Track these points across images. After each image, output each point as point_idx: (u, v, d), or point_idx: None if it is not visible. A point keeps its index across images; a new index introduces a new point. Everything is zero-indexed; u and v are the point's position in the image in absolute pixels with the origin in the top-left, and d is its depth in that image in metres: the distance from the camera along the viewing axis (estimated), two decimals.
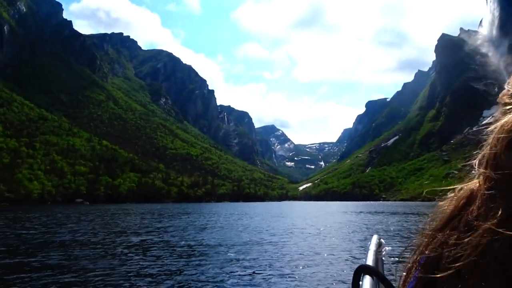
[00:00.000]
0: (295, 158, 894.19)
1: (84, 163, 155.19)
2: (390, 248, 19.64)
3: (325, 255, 16.74)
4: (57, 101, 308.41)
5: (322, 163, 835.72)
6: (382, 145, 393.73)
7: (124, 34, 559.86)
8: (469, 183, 1.03)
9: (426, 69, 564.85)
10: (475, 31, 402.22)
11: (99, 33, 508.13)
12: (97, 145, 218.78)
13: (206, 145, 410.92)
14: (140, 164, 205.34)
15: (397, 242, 20.37)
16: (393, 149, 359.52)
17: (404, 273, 1.08)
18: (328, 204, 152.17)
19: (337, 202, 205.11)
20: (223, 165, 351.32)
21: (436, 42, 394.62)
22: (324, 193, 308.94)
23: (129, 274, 12.75)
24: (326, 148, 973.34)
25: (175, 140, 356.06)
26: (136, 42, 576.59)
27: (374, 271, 1.60)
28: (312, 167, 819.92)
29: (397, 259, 15.66)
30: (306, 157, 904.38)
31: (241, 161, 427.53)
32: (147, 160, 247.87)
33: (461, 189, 1.02)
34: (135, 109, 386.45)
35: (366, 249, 2.37)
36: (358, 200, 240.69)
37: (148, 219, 42.49)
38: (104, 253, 17.02)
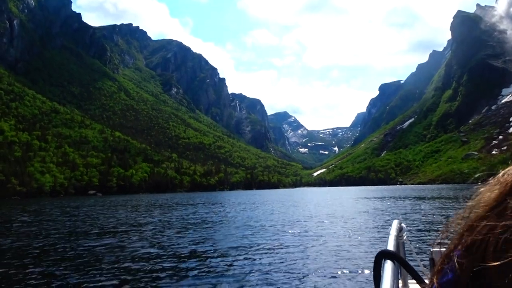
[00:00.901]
0: (309, 144, 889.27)
1: (96, 154, 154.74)
2: (411, 233, 17.76)
3: (346, 241, 16.33)
4: (69, 94, 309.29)
5: (336, 148, 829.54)
6: (398, 128, 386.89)
7: (133, 25, 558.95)
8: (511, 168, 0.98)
9: (440, 49, 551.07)
10: (492, 7, 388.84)
11: (108, 25, 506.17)
12: (109, 136, 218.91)
13: (218, 134, 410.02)
14: (153, 154, 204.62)
15: (419, 227, 19.66)
16: (409, 131, 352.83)
17: (438, 262, 1.04)
18: (344, 189, 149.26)
19: (353, 187, 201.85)
20: (236, 153, 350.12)
21: (450, 21, 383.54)
22: (339, 178, 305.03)
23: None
24: (340, 133, 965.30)
25: (188, 130, 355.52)
26: (145, 32, 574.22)
27: (395, 256, 1.62)
28: (326, 152, 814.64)
29: (418, 244, 14.38)
30: (320, 143, 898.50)
31: (254, 149, 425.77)
32: (160, 150, 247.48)
33: (504, 173, 0.98)
34: (147, 99, 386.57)
35: (387, 234, 2.36)
36: (374, 185, 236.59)
37: (137, 213, 40.58)
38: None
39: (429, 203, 41.07)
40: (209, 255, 14.01)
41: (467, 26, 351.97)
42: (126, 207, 46.72)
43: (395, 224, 2.56)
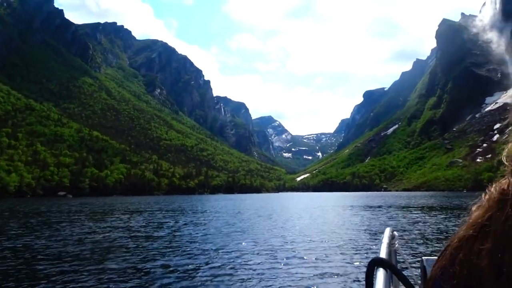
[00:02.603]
0: (293, 149, 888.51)
1: (70, 154, 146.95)
2: (403, 241, 16.55)
3: (337, 249, 15.83)
4: (47, 91, 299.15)
5: (319, 154, 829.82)
6: (382, 134, 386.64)
7: (118, 24, 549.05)
8: (499, 182, 0.96)
9: (423, 58, 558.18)
10: (476, 16, 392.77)
11: (92, 23, 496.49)
12: (87, 135, 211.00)
13: (201, 136, 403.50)
14: (131, 155, 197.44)
15: (410, 235, 19.18)
16: (393, 138, 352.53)
17: (432, 273, 1.03)
18: (328, 195, 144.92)
19: (337, 193, 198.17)
20: (219, 156, 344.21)
21: (431, 31, 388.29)
22: (322, 183, 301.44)
23: None
24: (324, 139, 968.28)
25: (170, 131, 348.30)
26: (130, 32, 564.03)
27: (387, 264, 1.62)
28: (310, 158, 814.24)
29: (411, 251, 13.75)
30: (304, 148, 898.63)
31: (237, 152, 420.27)
32: (140, 151, 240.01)
33: (493, 189, 0.96)
34: (129, 99, 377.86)
35: (379, 242, 2.33)
36: (358, 191, 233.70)
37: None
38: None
39: (418, 211, 39.59)
40: None
41: (452, 34, 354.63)
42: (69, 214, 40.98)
43: (387, 231, 2.57)
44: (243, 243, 17.51)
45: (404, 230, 21.14)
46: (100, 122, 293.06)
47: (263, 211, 41.89)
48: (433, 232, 20.47)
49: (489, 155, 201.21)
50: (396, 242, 2.52)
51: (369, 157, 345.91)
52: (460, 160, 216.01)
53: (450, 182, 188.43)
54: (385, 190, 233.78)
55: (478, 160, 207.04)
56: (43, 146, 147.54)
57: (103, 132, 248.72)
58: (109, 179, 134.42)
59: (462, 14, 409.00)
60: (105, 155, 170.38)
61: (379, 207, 48.10)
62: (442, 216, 31.40)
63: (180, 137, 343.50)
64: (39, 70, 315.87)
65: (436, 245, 15.97)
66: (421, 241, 17.04)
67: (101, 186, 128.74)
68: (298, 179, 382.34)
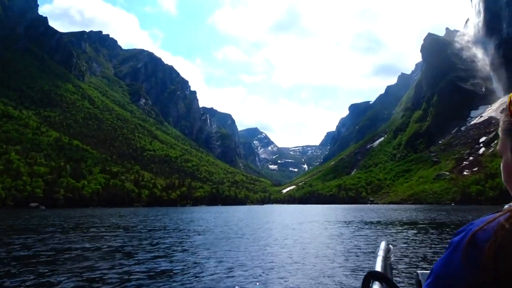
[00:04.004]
0: (278, 161, 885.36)
1: (45, 163, 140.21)
2: (399, 254, 16.34)
3: (331, 263, 15.49)
4: (27, 99, 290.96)
5: (305, 166, 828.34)
6: (368, 146, 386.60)
7: (104, 33, 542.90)
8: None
9: (407, 72, 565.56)
10: (461, 31, 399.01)
11: (77, 31, 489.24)
12: (66, 145, 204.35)
13: (186, 147, 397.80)
14: (112, 165, 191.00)
15: (407, 249, 18.64)
16: (379, 150, 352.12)
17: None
18: (314, 208, 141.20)
19: (323, 205, 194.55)
20: (203, 167, 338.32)
21: (414, 46, 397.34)
22: (308, 196, 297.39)
23: None
24: (309, 151, 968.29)
25: (154, 142, 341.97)
26: (116, 41, 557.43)
27: (383, 277, 1.59)
28: (296, 170, 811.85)
29: (406, 265, 13.58)
30: (290, 160, 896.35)
31: (223, 164, 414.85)
32: (122, 162, 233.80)
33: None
34: (112, 109, 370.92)
35: (375, 255, 2.31)
36: (345, 203, 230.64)
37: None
38: None
39: (412, 225, 38.01)
40: None
41: (437, 48, 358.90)
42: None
43: (382, 245, 2.55)
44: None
45: (400, 244, 20.78)
46: (81, 131, 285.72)
47: (232, 228, 37.48)
48: (429, 246, 19.98)
49: (476, 168, 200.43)
50: (391, 256, 2.51)
51: (355, 170, 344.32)
52: (447, 173, 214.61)
53: (437, 195, 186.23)
54: (372, 202, 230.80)
55: (465, 173, 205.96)
56: (17, 155, 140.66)
57: (84, 141, 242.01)
58: (86, 190, 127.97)
59: (447, 29, 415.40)
60: (84, 165, 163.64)
61: (378, 222, 44.25)
62: (437, 230, 30.60)
63: (164, 147, 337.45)
64: (20, 77, 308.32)
65: (434, 259, 15.47)
66: (417, 255, 16.75)
67: (77, 197, 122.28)
68: (284, 191, 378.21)
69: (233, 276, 12.91)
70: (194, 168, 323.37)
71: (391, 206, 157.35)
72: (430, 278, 1.17)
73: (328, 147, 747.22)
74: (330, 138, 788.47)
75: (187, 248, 20.39)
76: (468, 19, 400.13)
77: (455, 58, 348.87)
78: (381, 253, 2.33)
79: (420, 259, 15.68)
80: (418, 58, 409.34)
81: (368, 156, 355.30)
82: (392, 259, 2.48)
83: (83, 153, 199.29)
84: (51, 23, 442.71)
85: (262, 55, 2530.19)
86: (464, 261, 1.07)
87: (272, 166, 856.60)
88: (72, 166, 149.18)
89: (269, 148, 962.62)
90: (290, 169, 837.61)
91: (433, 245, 20.31)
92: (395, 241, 22.37)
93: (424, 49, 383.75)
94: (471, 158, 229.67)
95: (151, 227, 35.96)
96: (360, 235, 26.98)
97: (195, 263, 15.73)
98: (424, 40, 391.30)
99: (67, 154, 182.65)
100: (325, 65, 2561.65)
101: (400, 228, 33.95)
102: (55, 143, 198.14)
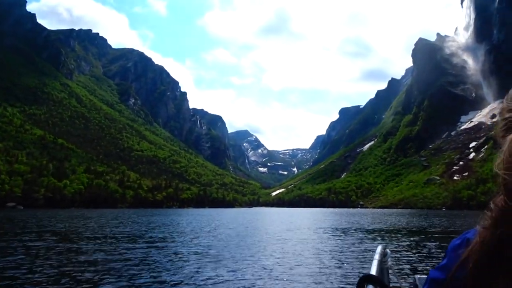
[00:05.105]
0: (268, 164, 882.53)
1: (26, 161, 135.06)
2: (396, 258, 15.78)
3: (327, 265, 15.42)
4: (12, 97, 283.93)
5: (295, 169, 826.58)
6: (358, 150, 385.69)
7: (93, 32, 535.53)
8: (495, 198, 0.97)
9: (397, 77, 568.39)
10: (452, 37, 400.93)
11: (65, 29, 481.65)
12: (51, 143, 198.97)
13: (175, 148, 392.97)
14: (97, 165, 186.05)
15: (404, 254, 18.30)
16: (369, 154, 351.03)
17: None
18: (304, 211, 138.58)
19: (313, 209, 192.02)
20: (192, 169, 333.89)
21: (403, 52, 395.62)
22: (298, 199, 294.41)
23: None
24: (299, 155, 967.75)
25: (142, 142, 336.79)
26: (105, 40, 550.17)
27: (378, 281, 1.58)
28: (285, 173, 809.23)
29: (403, 269, 13.70)
30: (279, 163, 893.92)
31: (212, 165, 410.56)
32: (109, 162, 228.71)
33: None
34: (100, 108, 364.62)
35: (371, 259, 2.28)
36: (335, 207, 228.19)
37: None
38: None
39: (408, 230, 37.07)
40: None
41: (428, 53, 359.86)
42: None
43: (379, 249, 2.51)
44: None
45: (396, 249, 20.33)
46: (68, 130, 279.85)
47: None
48: (426, 252, 19.66)
49: (466, 173, 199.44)
50: (388, 260, 2.46)
51: (345, 173, 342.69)
52: (438, 178, 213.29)
53: (428, 200, 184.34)
54: (362, 206, 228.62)
55: (455, 178, 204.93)
56: None
57: (70, 140, 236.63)
58: (67, 190, 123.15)
59: (438, 34, 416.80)
60: (68, 164, 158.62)
61: (373, 227, 41.36)
62: (434, 236, 30.44)
63: (152, 148, 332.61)
64: (6, 74, 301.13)
65: (431, 264, 15.45)
66: (414, 260, 16.66)
67: (58, 197, 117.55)
68: (273, 194, 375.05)
69: None
70: (182, 169, 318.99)
71: (383, 210, 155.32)
72: (426, 284, 1.18)
73: (318, 150, 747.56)
74: (320, 141, 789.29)
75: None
76: (457, 26, 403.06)
77: (446, 63, 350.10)
78: (377, 257, 2.31)
79: (417, 264, 15.49)
80: (407, 63, 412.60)
81: (358, 160, 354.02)
82: (388, 263, 2.44)
83: (68, 152, 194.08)
84: (39, 21, 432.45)
85: (252, 57, 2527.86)
86: (460, 266, 1.08)
87: (261, 169, 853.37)
88: (55, 165, 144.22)
89: (259, 150, 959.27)
90: (280, 172, 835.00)
91: (430, 251, 20.04)
92: (395, 245, 22.34)
93: (415, 54, 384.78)
94: (461, 163, 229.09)
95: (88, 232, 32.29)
96: (354, 241, 25.74)
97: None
98: (415, 44, 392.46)
99: (50, 152, 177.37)
100: (314, 69, 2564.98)
101: (395, 233, 33.17)
102: (39, 141, 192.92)
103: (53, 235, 27.28)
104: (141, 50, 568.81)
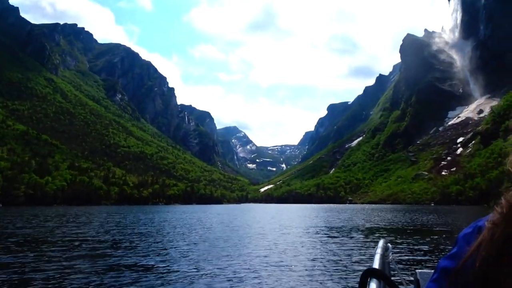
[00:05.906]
0: (257, 160, 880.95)
1: (7, 157, 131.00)
2: (397, 252, 16.41)
3: (329, 260, 15.37)
4: None
5: (283, 165, 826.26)
6: (346, 146, 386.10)
7: (79, 26, 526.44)
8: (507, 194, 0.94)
9: (385, 74, 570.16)
10: (439, 33, 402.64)
11: (50, 23, 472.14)
12: (34, 139, 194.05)
13: (163, 144, 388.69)
14: (82, 161, 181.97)
15: (405, 248, 18.48)
16: (357, 150, 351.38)
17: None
18: (293, 207, 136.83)
19: (301, 204, 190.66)
20: (180, 165, 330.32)
21: (390, 49, 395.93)
22: (286, 195, 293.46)
23: None
24: (288, 151, 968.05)
25: (129, 138, 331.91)
26: (91, 34, 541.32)
27: (381, 275, 1.60)
28: (274, 169, 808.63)
29: (404, 264, 13.94)
30: (268, 159, 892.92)
31: (200, 162, 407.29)
32: (94, 158, 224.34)
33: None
34: (86, 104, 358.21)
35: (373, 253, 2.32)
36: (323, 203, 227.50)
37: None
38: None
39: (406, 225, 36.52)
40: None
41: (416, 49, 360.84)
42: None
43: (381, 243, 2.52)
44: None
45: (398, 243, 20.71)
46: (52, 126, 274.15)
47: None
48: (426, 246, 19.81)
49: (454, 168, 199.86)
50: (390, 254, 2.49)
51: (333, 169, 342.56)
52: (426, 173, 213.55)
53: (416, 195, 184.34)
54: (351, 202, 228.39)
55: (443, 173, 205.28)
56: None
57: (54, 136, 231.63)
58: (49, 187, 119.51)
59: (426, 30, 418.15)
60: (51, 161, 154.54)
61: (369, 224, 39.62)
62: (433, 230, 30.71)
63: (139, 144, 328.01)
64: None
65: (431, 258, 15.53)
66: (415, 254, 16.79)
67: (39, 194, 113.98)
68: (262, 190, 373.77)
69: None
70: (170, 165, 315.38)
71: (372, 206, 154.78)
72: (436, 274, 1.19)
73: (307, 146, 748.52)
74: (309, 137, 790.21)
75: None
76: (444, 22, 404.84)
77: (433, 59, 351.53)
78: (379, 251, 2.32)
79: (418, 258, 15.62)
80: (394, 60, 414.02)
81: (347, 156, 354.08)
82: (390, 258, 2.46)
83: (52, 148, 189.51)
84: (22, 15, 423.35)
85: (239, 54, 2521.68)
86: (470, 257, 1.08)
87: (250, 165, 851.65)
88: (37, 162, 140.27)
89: (248, 147, 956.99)
90: (269, 168, 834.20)
91: (429, 246, 20.14)
92: (395, 240, 22.59)
93: (403, 49, 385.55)
94: (449, 158, 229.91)
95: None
96: (350, 237, 25.45)
97: None
98: (403, 40, 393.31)
99: (33, 149, 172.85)
100: (302, 66, 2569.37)
101: (394, 228, 33.09)
102: (21, 137, 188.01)
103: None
104: (127, 45, 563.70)
